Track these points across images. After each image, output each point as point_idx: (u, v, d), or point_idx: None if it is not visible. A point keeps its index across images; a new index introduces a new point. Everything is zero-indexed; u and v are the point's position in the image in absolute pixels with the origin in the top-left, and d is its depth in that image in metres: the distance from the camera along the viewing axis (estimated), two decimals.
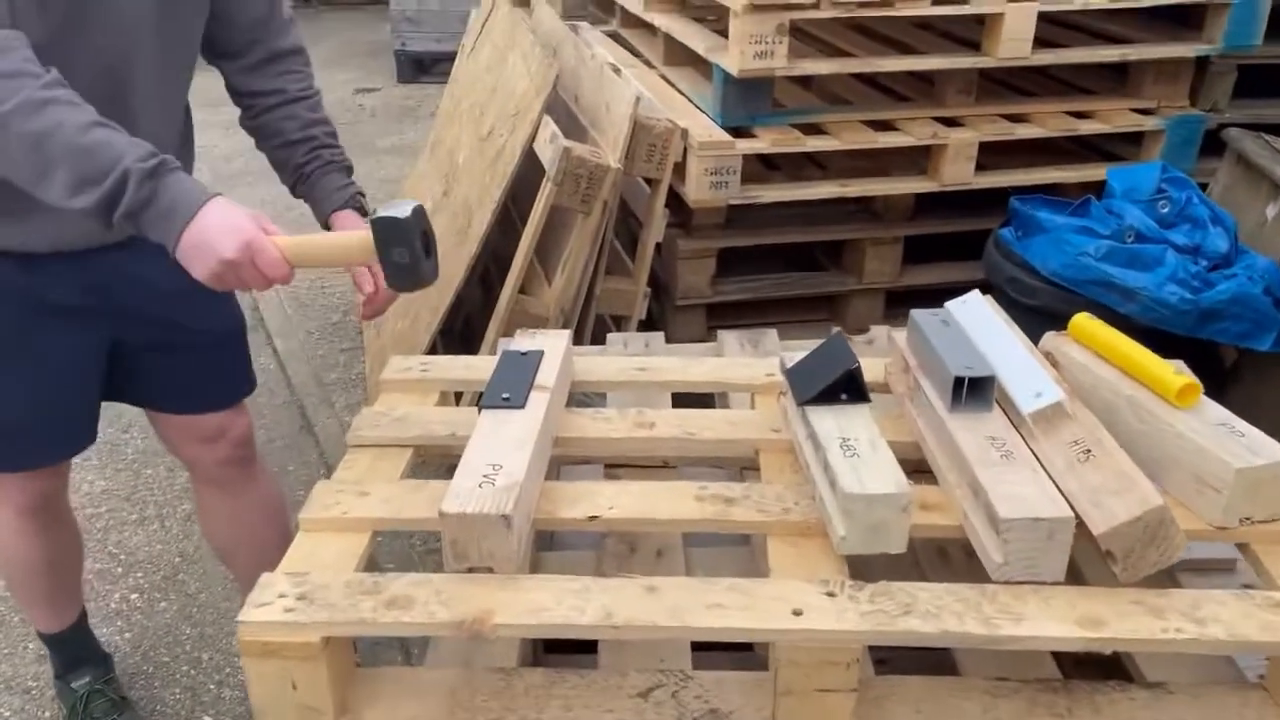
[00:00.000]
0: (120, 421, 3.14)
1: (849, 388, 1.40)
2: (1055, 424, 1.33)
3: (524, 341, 1.63)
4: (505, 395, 1.45)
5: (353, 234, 1.44)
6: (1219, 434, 1.31)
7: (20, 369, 1.68)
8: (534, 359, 1.56)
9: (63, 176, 1.30)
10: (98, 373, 1.77)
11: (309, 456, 3.10)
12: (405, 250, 1.33)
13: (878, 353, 1.77)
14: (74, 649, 2.17)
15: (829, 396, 1.39)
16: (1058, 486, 1.24)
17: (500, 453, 1.31)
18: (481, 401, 1.44)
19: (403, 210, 1.33)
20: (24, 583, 2.03)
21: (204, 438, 1.90)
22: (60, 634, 2.13)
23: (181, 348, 1.80)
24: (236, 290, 1.46)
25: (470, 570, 1.21)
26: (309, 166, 1.78)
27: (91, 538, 2.72)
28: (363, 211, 1.79)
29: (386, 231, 1.33)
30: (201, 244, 1.32)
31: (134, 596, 2.56)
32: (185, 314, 1.77)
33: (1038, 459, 1.30)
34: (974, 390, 1.37)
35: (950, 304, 1.59)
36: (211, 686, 2.30)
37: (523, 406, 1.43)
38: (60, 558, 2.02)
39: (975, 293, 1.61)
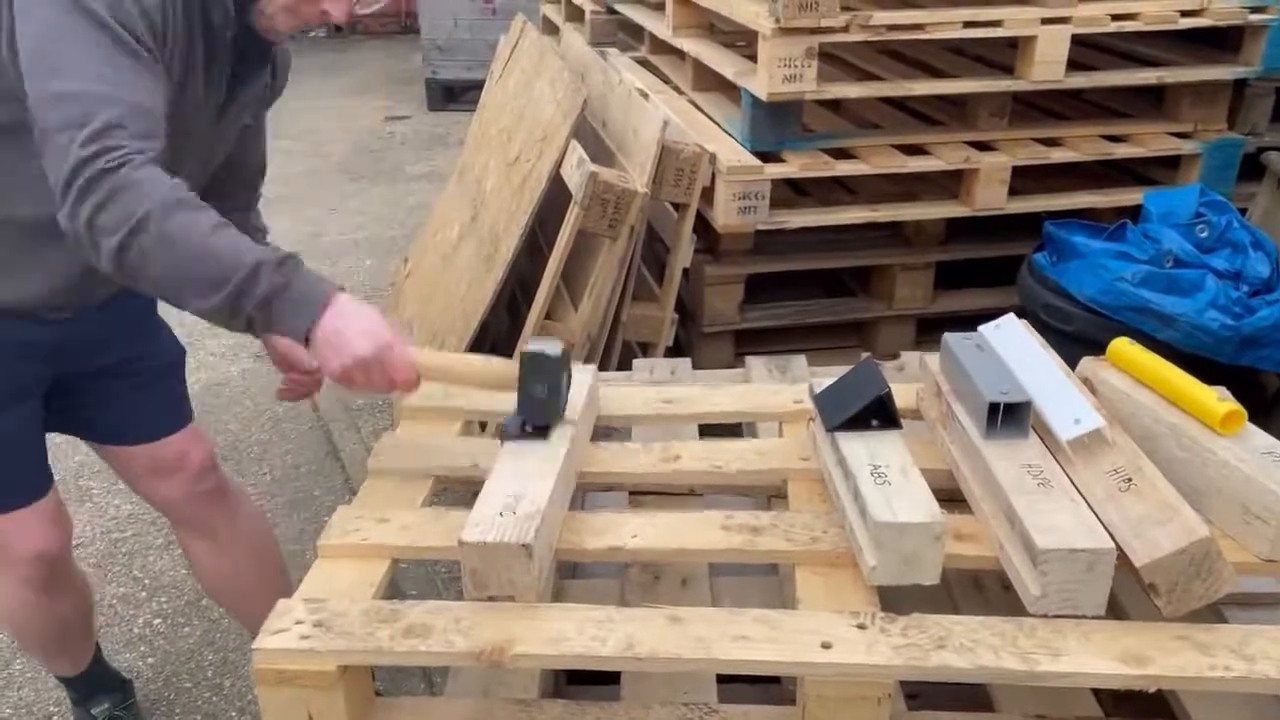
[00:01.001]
0: None
1: (880, 413, 1.36)
2: (1094, 452, 1.29)
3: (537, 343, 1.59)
4: (528, 427, 1.41)
5: (495, 362, 1.42)
6: (1265, 462, 1.27)
7: None
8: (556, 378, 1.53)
9: (199, 275, 1.30)
10: (41, 414, 1.76)
11: (334, 482, 3.09)
12: (546, 387, 1.36)
13: (908, 378, 1.73)
14: (90, 683, 2.15)
15: (859, 423, 1.36)
16: (1097, 516, 1.20)
17: (522, 482, 1.28)
18: (503, 433, 1.41)
19: (553, 348, 1.35)
20: (35, 643, 2.01)
21: (163, 469, 1.86)
22: (76, 676, 2.11)
23: (123, 375, 1.79)
24: (364, 390, 1.39)
25: (490, 599, 1.18)
26: None
27: (116, 562, 2.72)
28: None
29: (535, 365, 1.35)
30: (338, 338, 1.31)
31: (157, 622, 2.54)
32: (125, 347, 1.78)
33: (1076, 488, 1.26)
34: (1010, 416, 1.33)
35: (984, 328, 1.55)
36: (233, 714, 2.28)
37: (546, 438, 1.40)
38: (69, 618, 1.99)
39: (1010, 316, 1.57)
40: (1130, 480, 1.24)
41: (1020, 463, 1.28)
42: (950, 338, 1.50)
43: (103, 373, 1.77)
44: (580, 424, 1.47)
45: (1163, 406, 1.41)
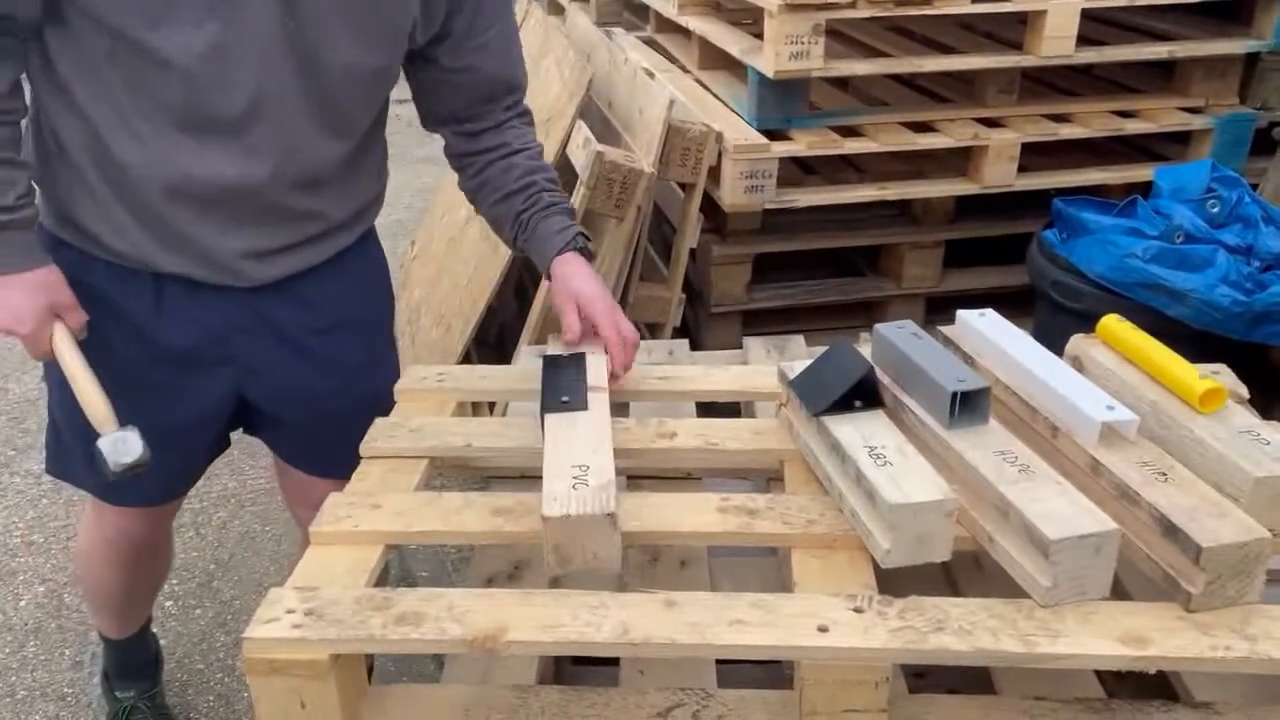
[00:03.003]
0: None
1: (862, 394, 1.35)
2: (1120, 443, 1.27)
3: (556, 347, 1.60)
4: (564, 398, 1.43)
5: (100, 403, 1.47)
6: (1241, 441, 1.26)
7: (133, 412, 1.61)
8: (578, 361, 1.54)
9: None
10: (213, 430, 1.73)
11: None
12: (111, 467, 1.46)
13: None
14: (128, 657, 2.15)
15: (842, 405, 1.35)
16: (1138, 495, 1.18)
17: (581, 454, 1.29)
18: (542, 407, 1.42)
19: (116, 456, 1.46)
20: (97, 598, 2.03)
21: (310, 503, 1.77)
22: (119, 640, 2.12)
23: (311, 418, 1.72)
24: None
25: (488, 584, 1.18)
26: (527, 214, 1.65)
27: None
28: (586, 254, 1.65)
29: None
30: None
31: (169, 604, 2.56)
32: (322, 379, 1.68)
33: (1053, 469, 1.24)
34: (967, 404, 1.31)
35: (964, 315, 1.54)
36: (245, 694, 2.30)
37: (585, 407, 1.41)
38: (141, 586, 2.01)
39: (990, 310, 1.56)
40: (1164, 474, 1.22)
41: (992, 450, 1.26)
42: (883, 328, 1.46)
43: (289, 415, 1.73)
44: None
45: (1145, 384, 1.39)
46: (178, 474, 1.77)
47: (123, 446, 1.45)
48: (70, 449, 1.68)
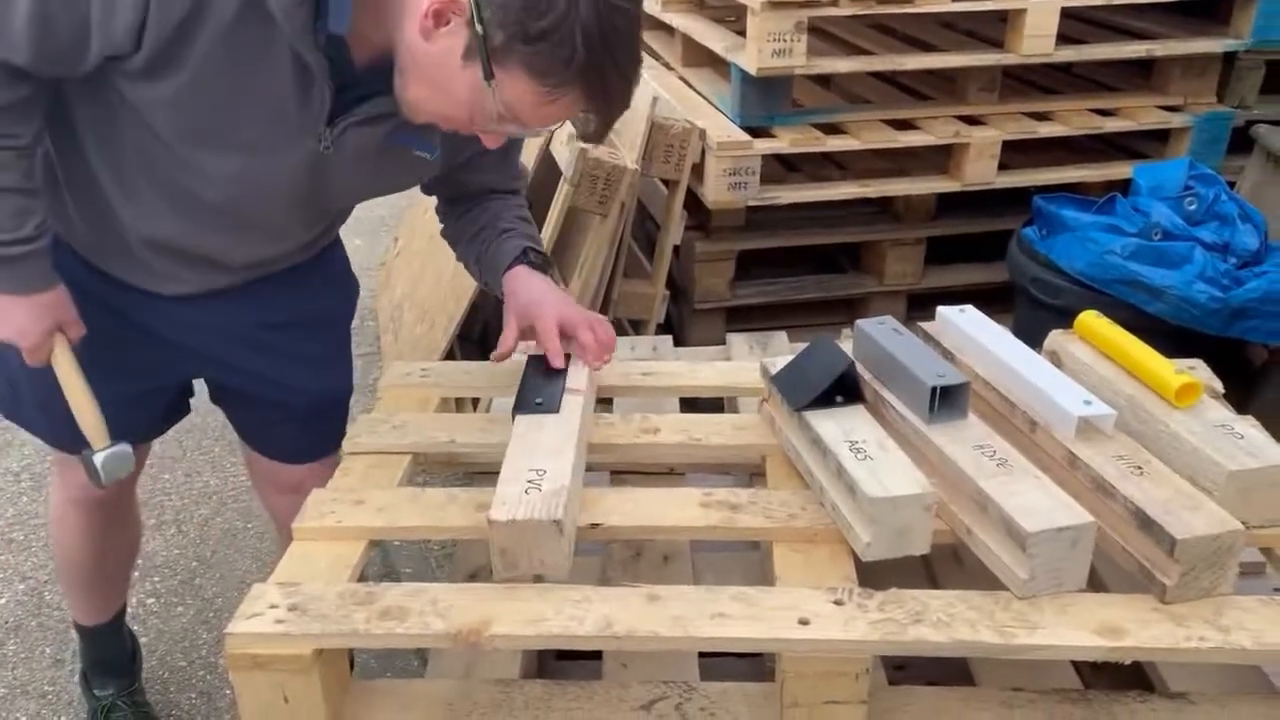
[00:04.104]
0: None
1: (843, 389, 1.36)
2: (1097, 437, 1.29)
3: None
4: (538, 400, 1.43)
5: (93, 418, 1.52)
6: (1216, 435, 1.28)
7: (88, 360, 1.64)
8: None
9: None
10: (169, 395, 1.77)
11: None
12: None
13: None
14: (103, 650, 2.14)
15: (824, 400, 1.36)
16: (1114, 488, 1.20)
17: (541, 458, 1.29)
18: (514, 408, 1.42)
19: (110, 468, 1.52)
20: (68, 572, 2.03)
21: (281, 488, 1.85)
22: (92, 628, 2.10)
23: (270, 404, 1.75)
24: None
25: (472, 579, 1.19)
26: (485, 244, 1.66)
27: None
28: (539, 268, 1.62)
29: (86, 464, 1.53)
30: None
31: (150, 601, 2.55)
32: (279, 372, 1.71)
33: (1031, 463, 1.26)
34: (946, 399, 1.32)
35: (945, 311, 1.56)
36: (227, 691, 2.29)
37: (557, 411, 1.41)
38: (110, 558, 2.01)
39: (970, 307, 1.57)
40: (1140, 468, 1.24)
41: (971, 444, 1.28)
42: (864, 324, 1.48)
43: (246, 394, 1.76)
44: (586, 394, 1.48)
45: (1122, 379, 1.41)
46: (128, 425, 1.75)
47: (115, 462, 1.50)
48: (23, 395, 1.71)
